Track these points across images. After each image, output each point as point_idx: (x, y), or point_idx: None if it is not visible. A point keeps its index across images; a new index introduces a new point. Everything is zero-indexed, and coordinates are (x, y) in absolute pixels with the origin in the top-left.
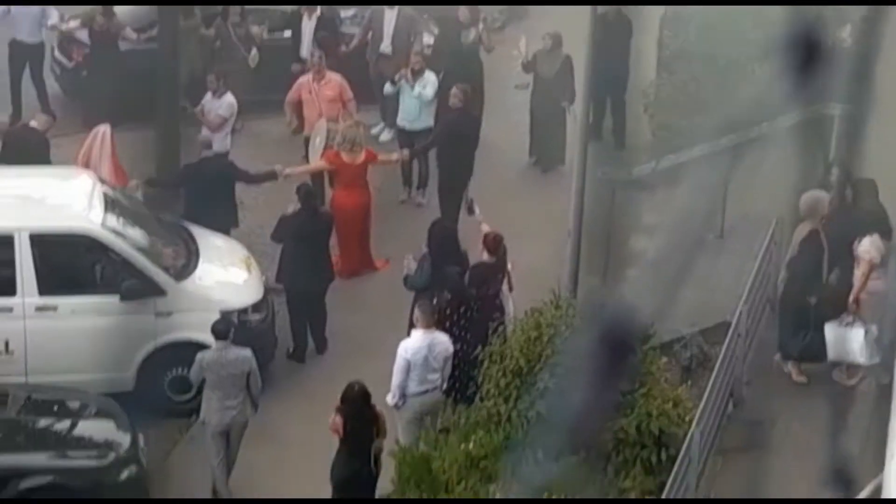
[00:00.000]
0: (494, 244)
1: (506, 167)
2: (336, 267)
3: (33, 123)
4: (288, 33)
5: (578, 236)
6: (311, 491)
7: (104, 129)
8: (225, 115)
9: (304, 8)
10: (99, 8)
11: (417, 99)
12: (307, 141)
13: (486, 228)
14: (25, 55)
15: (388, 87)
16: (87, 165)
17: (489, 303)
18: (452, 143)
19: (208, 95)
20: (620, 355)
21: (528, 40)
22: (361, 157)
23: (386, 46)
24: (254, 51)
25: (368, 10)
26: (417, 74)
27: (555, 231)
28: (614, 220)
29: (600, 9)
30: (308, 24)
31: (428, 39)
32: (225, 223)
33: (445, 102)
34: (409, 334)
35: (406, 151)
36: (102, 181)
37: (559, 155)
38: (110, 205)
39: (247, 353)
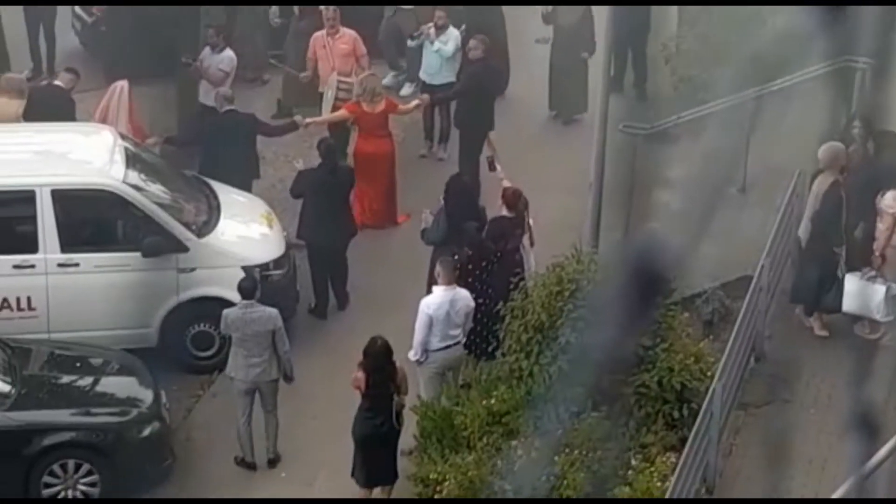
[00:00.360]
0: (513, 199)
1: (526, 121)
2: (358, 218)
3: (58, 81)
4: None
5: (600, 190)
6: (333, 447)
7: (122, 85)
8: (226, 69)
9: None
10: None
11: (439, 53)
12: (321, 96)
13: (507, 184)
14: (40, 11)
15: (410, 41)
16: (104, 121)
17: (509, 258)
18: (473, 95)
19: (207, 50)
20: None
21: None
22: (381, 105)
23: None
24: (274, 7)
25: None
26: (440, 30)
27: (576, 184)
28: (636, 173)
29: None
30: None
31: None
32: (247, 176)
33: (468, 57)
34: (429, 290)
35: (426, 97)
36: (123, 136)
37: (580, 107)
38: (131, 160)
39: (272, 311)
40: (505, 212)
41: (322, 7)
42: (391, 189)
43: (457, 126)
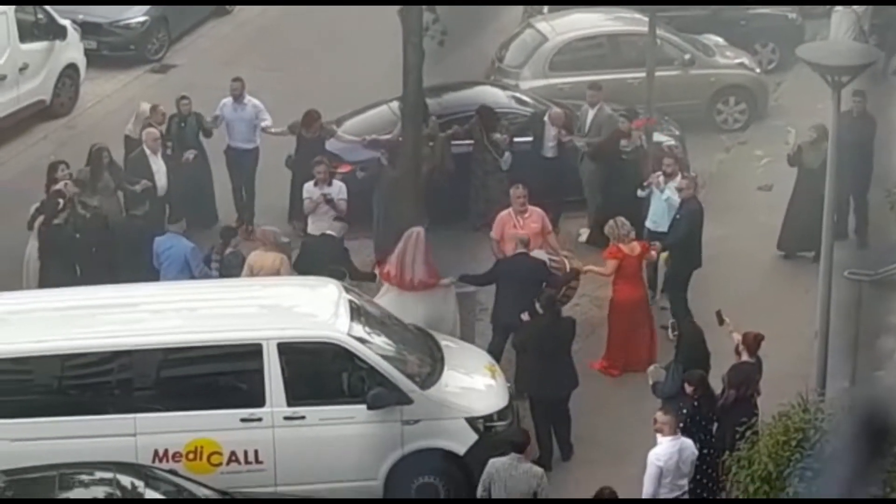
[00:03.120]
0: (755, 344)
1: (751, 267)
2: (601, 365)
3: (329, 231)
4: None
5: (826, 337)
6: None
7: (418, 231)
8: (345, 197)
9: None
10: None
11: (668, 202)
12: None
13: (736, 338)
14: (242, 161)
15: (640, 192)
16: (401, 266)
17: (745, 405)
18: (691, 231)
19: (313, 187)
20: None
21: (795, 132)
22: (638, 248)
23: (583, 145)
24: (507, 154)
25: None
26: (669, 178)
27: (802, 331)
28: (862, 320)
29: (843, 105)
30: (551, 128)
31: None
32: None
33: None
34: (654, 440)
35: (658, 244)
36: (348, 289)
37: (813, 245)
38: (356, 313)
39: (539, 470)
40: (746, 357)
41: (512, 188)
42: (644, 334)
43: (667, 264)
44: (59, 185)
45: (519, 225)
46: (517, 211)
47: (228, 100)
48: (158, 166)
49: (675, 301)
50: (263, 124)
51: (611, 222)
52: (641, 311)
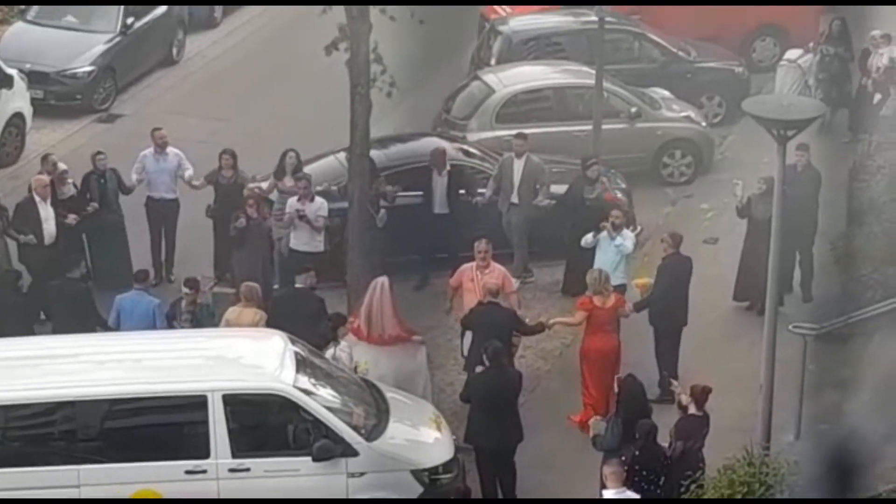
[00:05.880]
0: (703, 397)
1: (697, 320)
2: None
3: (299, 284)
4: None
5: (770, 390)
6: None
7: (382, 281)
8: (325, 214)
9: (431, 165)
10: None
11: (617, 251)
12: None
13: (684, 400)
14: (164, 211)
15: (588, 239)
16: (369, 319)
17: (692, 457)
18: (672, 288)
19: (296, 202)
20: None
21: (743, 184)
22: (612, 300)
23: (514, 197)
24: (382, 212)
25: (498, 163)
26: (617, 229)
27: (747, 385)
28: (806, 374)
29: (788, 159)
30: (440, 181)
31: (555, 189)
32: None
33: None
34: (600, 493)
35: (630, 305)
36: (293, 340)
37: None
38: (302, 364)
39: None
40: (693, 410)
41: (476, 242)
42: (612, 386)
43: (653, 324)
44: None
45: (477, 280)
46: (479, 266)
47: (149, 150)
48: (47, 213)
49: (668, 357)
50: (186, 174)
51: (594, 273)
52: (612, 361)
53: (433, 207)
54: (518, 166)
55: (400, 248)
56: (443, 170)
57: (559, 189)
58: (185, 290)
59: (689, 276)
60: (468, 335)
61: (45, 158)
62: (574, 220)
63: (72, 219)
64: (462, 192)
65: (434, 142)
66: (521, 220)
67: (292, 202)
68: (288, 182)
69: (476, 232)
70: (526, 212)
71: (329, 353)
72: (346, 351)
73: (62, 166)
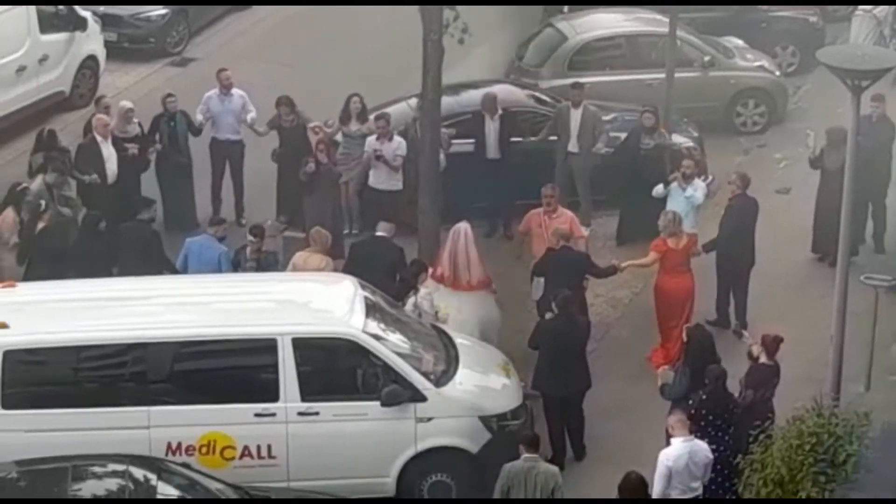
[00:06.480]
0: (774, 346)
1: (768, 270)
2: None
3: (381, 232)
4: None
5: (841, 341)
6: None
7: (465, 228)
8: (402, 153)
9: (483, 110)
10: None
11: (688, 201)
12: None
13: (755, 350)
14: (229, 153)
15: (659, 189)
16: (455, 268)
17: (761, 407)
18: (739, 229)
19: (374, 142)
20: None
21: (815, 135)
22: (684, 241)
23: (573, 145)
24: (441, 157)
25: (555, 109)
26: (689, 179)
27: (817, 335)
28: (877, 325)
29: (863, 109)
30: (492, 126)
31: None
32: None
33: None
34: (667, 441)
35: (699, 247)
36: (364, 286)
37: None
38: (371, 310)
39: (555, 469)
40: (764, 359)
41: (543, 188)
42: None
43: (719, 265)
44: (36, 183)
45: (545, 225)
46: (546, 211)
47: (214, 92)
48: (109, 153)
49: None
50: (249, 117)
51: (667, 214)
52: (685, 301)
53: (486, 153)
54: (576, 115)
55: (461, 195)
56: (494, 115)
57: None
58: (251, 237)
59: (755, 217)
60: (537, 282)
61: (98, 101)
62: (631, 169)
63: (132, 151)
64: (515, 138)
65: (506, 89)
66: (581, 169)
67: (371, 141)
68: (353, 126)
69: (530, 178)
70: (585, 160)
71: (410, 300)
72: (428, 298)
73: (127, 104)
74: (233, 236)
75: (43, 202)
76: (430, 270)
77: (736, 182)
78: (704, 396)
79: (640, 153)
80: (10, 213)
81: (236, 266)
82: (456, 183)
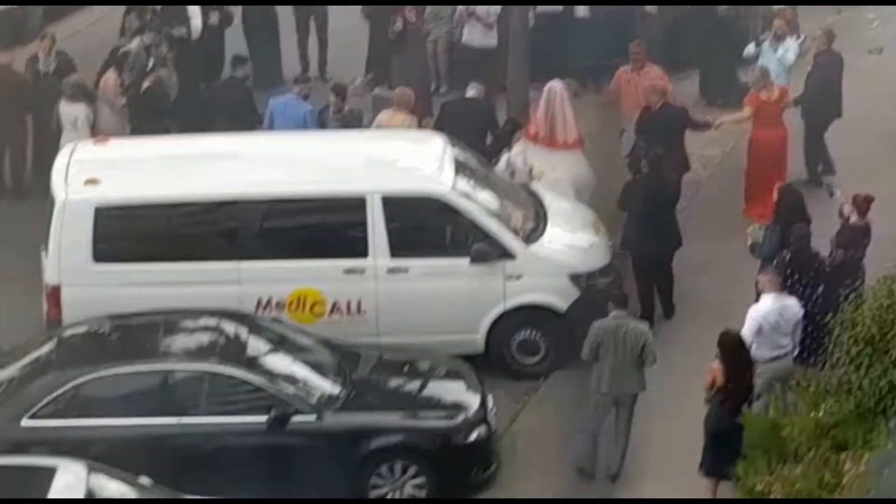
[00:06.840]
0: (865, 206)
1: (859, 131)
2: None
3: (471, 93)
4: None
5: None
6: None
7: (559, 87)
8: (497, 10)
9: None
10: None
11: (779, 62)
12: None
13: (846, 210)
14: (309, 10)
15: (750, 49)
16: (552, 128)
17: (852, 266)
18: (825, 83)
19: None
20: None
21: None
22: (776, 93)
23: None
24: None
25: None
26: (780, 39)
27: None
28: None
29: None
30: None
31: None
32: (677, 168)
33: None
34: (757, 299)
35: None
36: (453, 144)
37: None
38: (461, 168)
39: (645, 326)
40: (854, 219)
41: (630, 44)
42: (780, 178)
43: (805, 118)
44: (135, 44)
45: (634, 82)
46: (634, 68)
47: None
48: (193, 10)
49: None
50: None
51: (756, 71)
52: (779, 153)
53: (575, 11)
54: None
55: (549, 54)
56: None
57: None
58: (333, 97)
59: (840, 71)
60: (627, 135)
61: None
62: (707, 29)
63: (215, 18)
64: None
65: None
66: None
67: None
68: None
69: (617, 36)
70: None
71: (503, 158)
72: (521, 155)
73: None
74: (318, 94)
75: (151, 61)
76: (526, 128)
77: (821, 38)
78: (789, 256)
79: (716, 13)
80: (111, 75)
81: (322, 125)
82: (544, 42)
